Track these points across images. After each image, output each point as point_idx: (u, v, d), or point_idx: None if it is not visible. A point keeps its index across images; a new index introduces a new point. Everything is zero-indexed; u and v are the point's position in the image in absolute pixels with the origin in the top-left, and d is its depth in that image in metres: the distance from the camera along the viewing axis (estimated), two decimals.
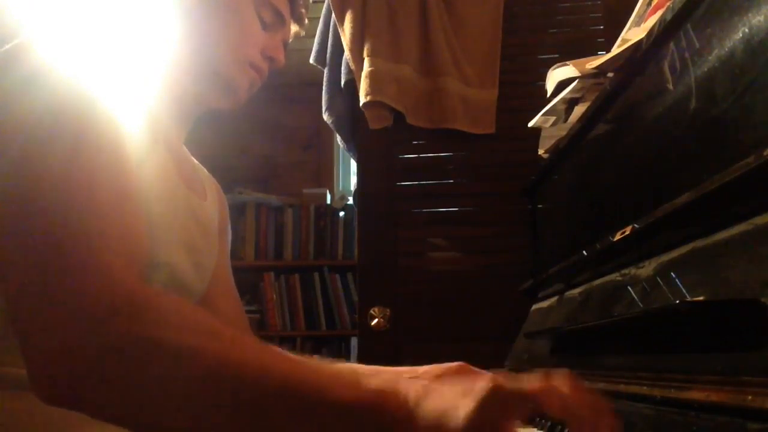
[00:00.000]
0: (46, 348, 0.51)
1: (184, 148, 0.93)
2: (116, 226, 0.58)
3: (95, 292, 0.52)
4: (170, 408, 0.52)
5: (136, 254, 0.60)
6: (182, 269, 0.79)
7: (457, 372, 0.54)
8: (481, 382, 0.50)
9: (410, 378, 0.54)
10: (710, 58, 0.70)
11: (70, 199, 0.57)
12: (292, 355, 0.55)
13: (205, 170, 0.99)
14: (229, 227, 1.03)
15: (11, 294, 0.54)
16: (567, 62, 1.21)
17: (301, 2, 0.94)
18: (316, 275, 3.01)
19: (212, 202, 0.93)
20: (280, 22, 0.90)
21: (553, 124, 1.35)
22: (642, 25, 1.05)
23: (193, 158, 0.96)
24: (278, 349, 0.56)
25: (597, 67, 1.11)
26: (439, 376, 0.54)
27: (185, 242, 0.80)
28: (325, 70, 2.10)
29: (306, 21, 0.97)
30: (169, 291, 0.77)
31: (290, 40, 0.96)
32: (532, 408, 0.50)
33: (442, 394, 0.51)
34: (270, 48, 0.89)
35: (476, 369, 0.55)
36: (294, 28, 0.95)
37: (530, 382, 0.51)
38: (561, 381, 0.51)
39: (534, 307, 1.42)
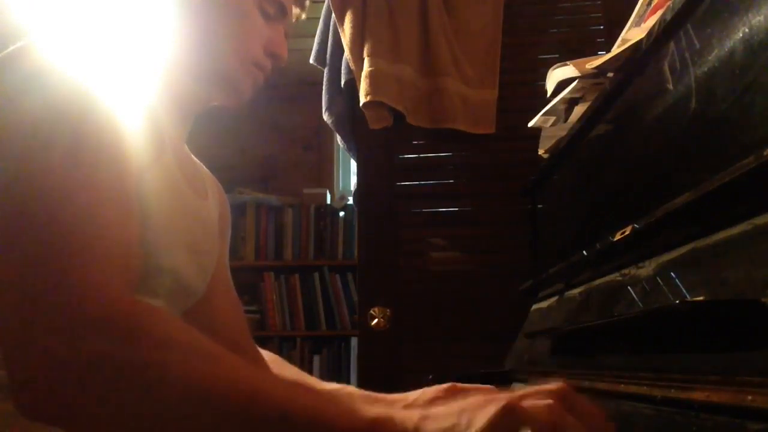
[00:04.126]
0: (26, 360, 0.50)
1: (185, 146, 0.93)
2: (112, 236, 0.57)
3: (80, 306, 0.51)
4: (155, 431, 0.51)
5: (129, 266, 0.58)
6: (185, 272, 0.79)
7: (447, 393, 0.54)
8: (495, 400, 0.50)
9: (404, 406, 0.54)
10: (710, 58, 0.70)
11: (66, 206, 0.56)
12: (285, 378, 0.55)
13: (206, 168, 0.98)
14: (229, 225, 1.03)
15: None
16: (567, 62, 1.21)
17: None
18: (316, 275, 3.01)
19: (213, 201, 0.93)
20: (283, 14, 0.88)
21: (553, 124, 1.35)
22: (642, 25, 1.05)
23: (193, 156, 0.95)
24: (272, 372, 0.55)
25: (597, 67, 1.11)
26: (432, 401, 0.53)
27: (189, 245, 0.80)
28: (325, 70, 2.10)
29: (307, 2, 0.93)
30: (169, 293, 0.77)
31: (293, 21, 0.92)
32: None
33: (439, 416, 0.51)
34: (273, 43, 0.86)
35: (466, 386, 0.55)
36: (295, 11, 0.92)
37: (537, 399, 0.50)
38: (565, 396, 0.51)
39: (534, 307, 1.42)
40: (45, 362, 0.50)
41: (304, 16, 0.94)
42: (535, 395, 0.50)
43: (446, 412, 0.51)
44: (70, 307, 0.51)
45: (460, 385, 0.55)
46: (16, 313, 0.52)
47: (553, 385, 0.52)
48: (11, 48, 0.65)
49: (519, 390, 0.52)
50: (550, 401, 0.49)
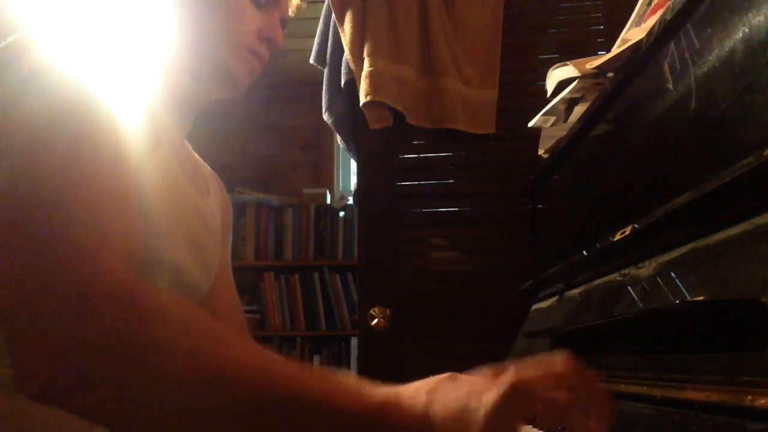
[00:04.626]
0: (34, 342, 0.50)
1: (187, 144, 0.93)
2: (114, 224, 0.57)
3: (90, 287, 0.51)
4: (163, 412, 0.51)
5: (134, 252, 0.59)
6: (187, 268, 0.79)
7: (448, 380, 0.54)
8: (503, 376, 0.49)
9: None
10: (710, 58, 0.70)
11: (68, 197, 0.56)
12: (294, 362, 0.54)
13: (208, 167, 0.98)
14: (231, 224, 1.03)
15: (2, 288, 0.53)
16: (567, 62, 1.21)
17: None
18: (316, 275, 3.01)
19: (215, 200, 0.93)
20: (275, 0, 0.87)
21: (553, 124, 1.35)
22: (642, 25, 1.05)
23: (196, 154, 0.96)
24: (280, 356, 0.55)
25: (597, 67, 1.11)
26: (434, 388, 0.53)
27: (190, 241, 0.80)
28: (325, 70, 2.10)
29: None
30: (173, 290, 0.77)
31: (292, 14, 0.92)
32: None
33: (447, 399, 0.51)
34: (266, 28, 0.86)
35: (464, 375, 0.55)
36: (294, 1, 0.92)
37: (546, 368, 0.50)
38: (571, 367, 0.51)
39: (534, 307, 1.42)
40: (52, 345, 0.49)
41: (304, 5, 0.94)
42: (543, 376, 0.50)
43: (454, 394, 0.51)
44: (75, 289, 0.51)
45: (458, 375, 0.55)
46: (21, 300, 0.52)
47: (558, 361, 0.51)
48: (6, 41, 0.65)
49: (525, 365, 0.52)
50: (560, 391, 0.49)
